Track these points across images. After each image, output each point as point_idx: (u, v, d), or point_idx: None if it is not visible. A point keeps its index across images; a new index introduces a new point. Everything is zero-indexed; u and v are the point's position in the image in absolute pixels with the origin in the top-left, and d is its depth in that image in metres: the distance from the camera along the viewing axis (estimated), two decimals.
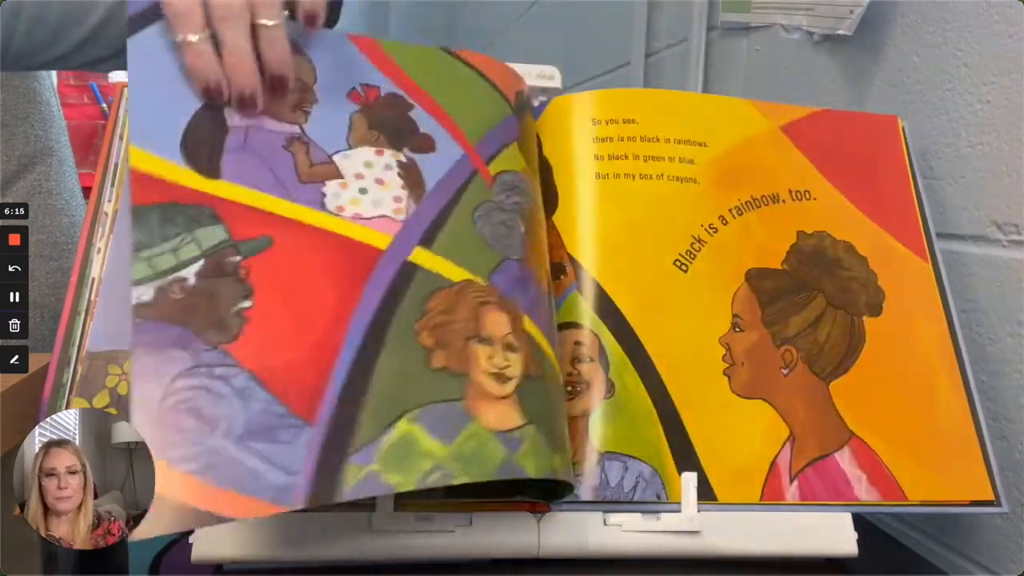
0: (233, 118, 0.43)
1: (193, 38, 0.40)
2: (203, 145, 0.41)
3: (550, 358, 0.43)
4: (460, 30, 2.73)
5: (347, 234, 0.42)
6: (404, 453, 0.37)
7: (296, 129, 0.44)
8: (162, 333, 0.37)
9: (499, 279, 0.42)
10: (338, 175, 0.44)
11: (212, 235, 0.40)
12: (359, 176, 0.44)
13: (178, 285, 0.39)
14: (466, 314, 0.41)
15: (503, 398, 0.40)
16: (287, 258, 0.40)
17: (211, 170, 0.41)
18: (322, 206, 0.42)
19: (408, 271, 0.42)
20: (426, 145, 0.46)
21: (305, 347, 0.38)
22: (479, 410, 0.39)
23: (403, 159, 0.45)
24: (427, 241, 0.43)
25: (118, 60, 0.61)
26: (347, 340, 0.39)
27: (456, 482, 0.37)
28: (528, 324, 0.42)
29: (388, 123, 0.46)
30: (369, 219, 0.43)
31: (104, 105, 1.77)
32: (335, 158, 0.44)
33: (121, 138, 0.51)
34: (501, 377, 0.40)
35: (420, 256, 0.42)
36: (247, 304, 0.39)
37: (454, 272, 0.42)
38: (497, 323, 0.41)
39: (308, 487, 0.35)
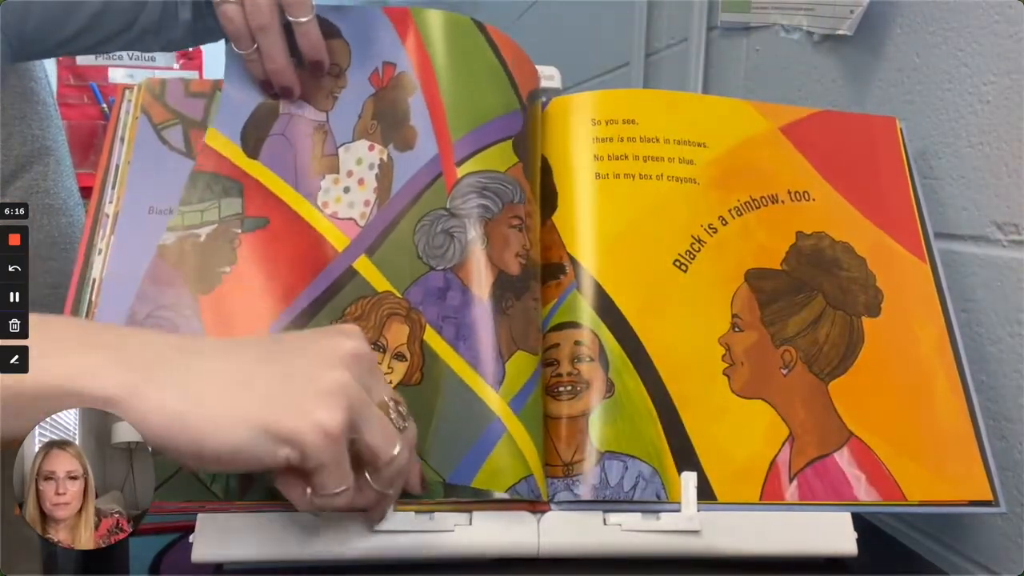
0: (284, 106, 0.51)
1: (246, 52, 0.50)
2: (255, 129, 0.51)
3: (450, 367, 0.45)
4: None
5: (321, 230, 0.48)
6: None
7: (323, 116, 0.51)
8: (166, 271, 0.47)
9: (415, 291, 0.46)
10: (336, 169, 0.50)
11: (231, 206, 0.49)
12: (349, 173, 0.50)
13: (192, 239, 0.48)
14: (373, 323, 0.46)
15: None
16: (272, 240, 0.48)
17: (253, 151, 0.50)
18: (314, 200, 0.49)
19: (347, 276, 0.47)
20: (408, 140, 0.50)
21: (247, 316, 0.46)
22: None
23: (385, 158, 0.49)
24: (371, 250, 0.48)
25: (129, 34, 0.61)
26: (278, 320, 0.46)
27: None
28: (430, 335, 0.45)
29: (388, 112, 0.51)
30: (340, 220, 0.49)
31: (104, 105, 1.77)
32: (340, 151, 0.50)
33: (122, 140, 0.51)
34: None
35: (362, 264, 0.47)
36: (227, 269, 0.47)
37: (380, 283, 0.47)
38: (397, 334, 0.46)
39: None
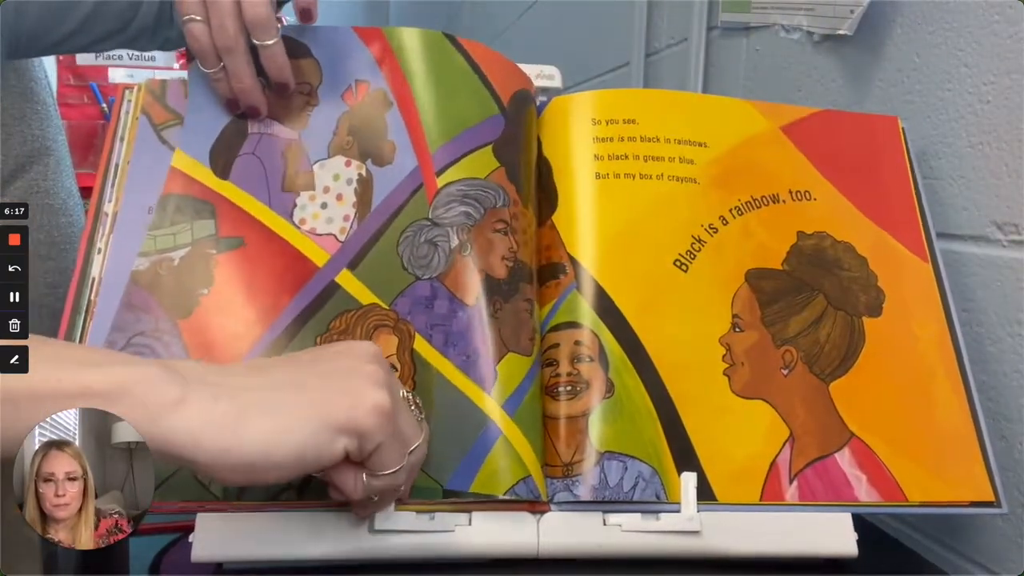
0: (253, 125, 0.51)
1: (212, 71, 0.49)
2: (224, 150, 0.50)
3: (441, 374, 0.45)
4: (460, 30, 2.73)
5: (299, 247, 0.48)
6: None
7: (295, 135, 0.51)
8: (142, 297, 0.46)
9: (402, 302, 0.46)
10: (311, 186, 0.50)
11: (204, 228, 0.48)
12: (326, 189, 0.49)
13: (166, 263, 0.47)
14: (359, 335, 0.46)
15: None
16: (249, 260, 0.47)
17: (223, 171, 0.49)
18: (290, 216, 0.49)
19: (330, 290, 0.47)
20: (386, 155, 0.50)
21: (229, 337, 0.46)
22: None
23: (363, 173, 0.49)
24: (354, 264, 0.48)
25: (125, 34, 0.61)
26: (261, 339, 0.46)
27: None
28: (420, 344, 0.45)
29: (364, 128, 0.50)
30: (319, 236, 0.48)
31: (104, 105, 1.77)
32: (315, 167, 0.50)
33: (122, 140, 0.51)
34: None
35: (344, 278, 0.47)
36: (205, 291, 0.46)
37: (365, 296, 0.47)
38: (385, 345, 0.46)
39: None
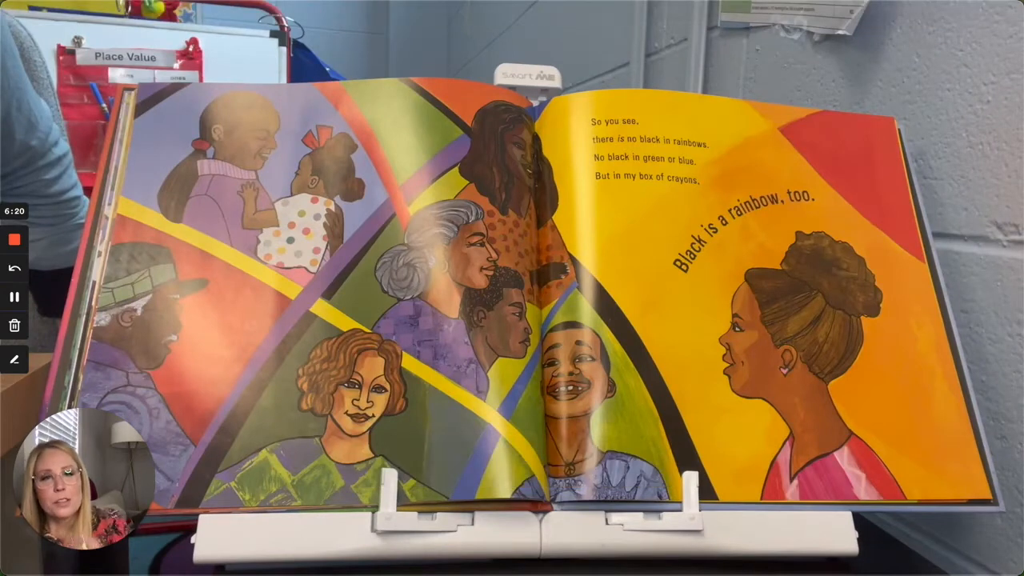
0: (203, 167, 0.51)
1: None
2: (173, 193, 0.50)
3: (434, 387, 0.45)
4: (460, 30, 2.73)
5: (267, 282, 0.48)
6: (258, 477, 0.43)
7: (252, 175, 0.51)
8: (108, 353, 0.45)
9: (385, 324, 0.47)
10: (275, 222, 0.50)
11: (163, 273, 0.48)
12: (291, 225, 0.50)
13: (128, 315, 0.46)
14: (343, 362, 0.46)
15: (356, 436, 0.44)
16: (215, 301, 0.47)
17: (175, 214, 0.49)
18: (254, 253, 0.49)
19: (307, 321, 0.47)
20: (356, 191, 0.51)
21: (207, 381, 0.45)
22: (331, 446, 0.44)
23: (332, 208, 0.50)
24: (329, 294, 0.48)
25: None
26: (241, 378, 0.45)
27: (294, 505, 0.42)
28: (409, 361, 0.46)
29: (329, 168, 0.51)
30: (288, 269, 0.48)
31: (104, 105, 1.77)
32: (276, 204, 0.50)
33: (121, 142, 0.51)
34: (360, 417, 0.45)
35: (320, 307, 0.47)
36: (173, 338, 0.46)
37: (345, 323, 0.47)
38: (372, 367, 0.46)
39: (180, 492, 0.42)
